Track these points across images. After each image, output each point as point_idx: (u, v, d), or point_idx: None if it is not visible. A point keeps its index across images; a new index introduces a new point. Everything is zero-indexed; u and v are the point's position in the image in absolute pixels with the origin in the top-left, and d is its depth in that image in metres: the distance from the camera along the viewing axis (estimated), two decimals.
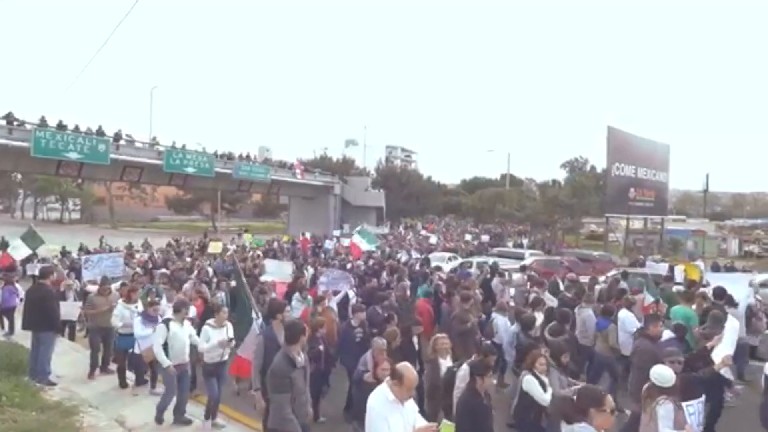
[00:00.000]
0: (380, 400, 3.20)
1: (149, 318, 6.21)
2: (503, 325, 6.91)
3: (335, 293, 8.09)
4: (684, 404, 3.67)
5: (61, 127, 22.79)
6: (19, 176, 54.22)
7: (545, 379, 4.42)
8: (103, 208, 60.74)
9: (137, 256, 18.77)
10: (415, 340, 5.81)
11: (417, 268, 13.15)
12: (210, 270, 11.83)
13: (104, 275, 8.83)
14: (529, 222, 37.21)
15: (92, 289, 8.41)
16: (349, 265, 13.33)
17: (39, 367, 6.63)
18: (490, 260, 17.87)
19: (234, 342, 5.63)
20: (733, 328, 4.99)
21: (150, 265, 15.12)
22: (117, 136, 25.64)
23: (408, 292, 8.67)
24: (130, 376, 6.96)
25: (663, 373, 3.72)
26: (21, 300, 8.52)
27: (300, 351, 4.18)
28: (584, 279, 11.95)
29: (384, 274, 11.44)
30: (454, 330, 6.34)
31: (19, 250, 11.19)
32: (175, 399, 5.56)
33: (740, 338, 6.36)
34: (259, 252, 21.66)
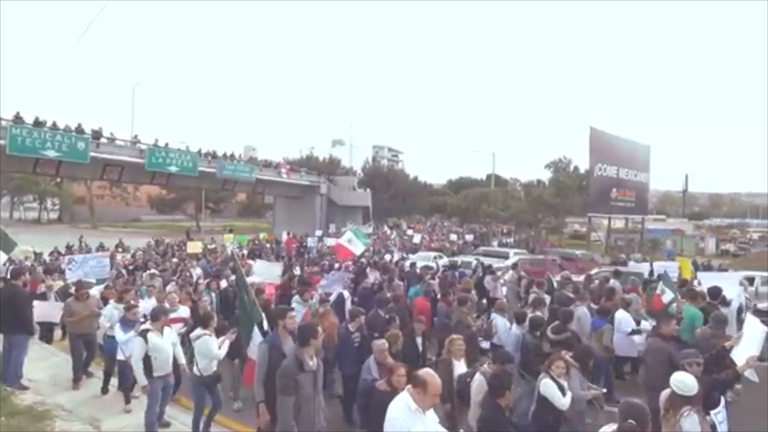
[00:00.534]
0: (402, 410, 3.00)
1: (128, 322, 5.95)
2: (503, 326, 6.80)
3: (328, 294, 7.98)
4: (712, 413, 3.47)
5: (38, 124, 22.12)
6: None
7: (564, 383, 4.26)
8: (82, 207, 59.24)
9: (118, 257, 18.33)
10: (419, 341, 5.67)
11: (407, 267, 13.15)
12: (197, 271, 11.60)
13: (80, 279, 8.43)
14: (513, 221, 37.59)
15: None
16: (336, 265, 13.25)
17: (11, 371, 6.36)
18: (474, 259, 18.08)
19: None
20: (755, 328, 4.78)
21: (131, 267, 14.77)
22: (97, 134, 24.99)
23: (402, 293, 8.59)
24: (113, 381, 6.63)
25: (685, 381, 3.43)
26: None
27: (313, 355, 3.96)
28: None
29: (371, 274, 11.40)
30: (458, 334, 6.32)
31: None
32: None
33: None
34: (244, 251, 21.45)
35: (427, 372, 3.11)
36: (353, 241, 13.19)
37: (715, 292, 7.40)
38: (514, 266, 12.55)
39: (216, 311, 7.51)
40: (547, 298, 8.21)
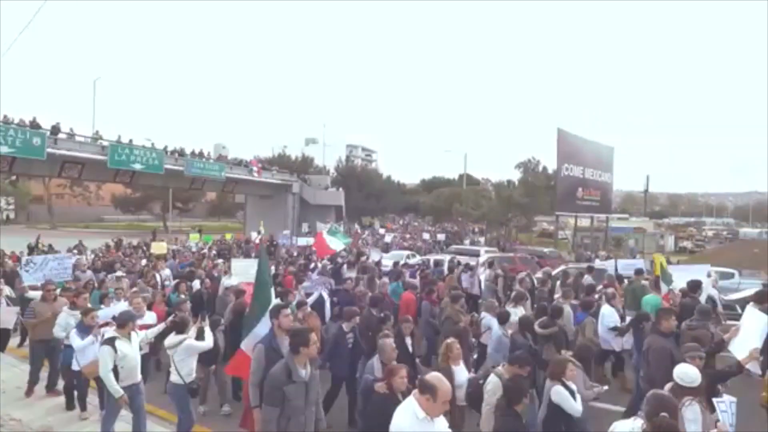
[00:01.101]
0: (409, 418, 2.77)
1: (85, 327, 5.52)
2: (496, 325, 6.62)
3: (308, 296, 7.82)
4: (715, 401, 3.45)
5: None
6: None
7: (573, 387, 4.14)
8: (40, 207, 56.23)
9: (74, 259, 17.42)
10: (408, 341, 5.46)
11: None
12: (165, 272, 11.15)
13: (48, 279, 7.93)
14: (485, 220, 38.24)
15: (34, 294, 7.58)
16: (312, 265, 13.07)
17: None
18: (446, 257, 18.29)
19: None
20: (756, 319, 4.61)
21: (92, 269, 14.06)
22: (55, 129, 23.72)
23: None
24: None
25: (688, 372, 3.45)
26: None
27: (306, 363, 3.66)
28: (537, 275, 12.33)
29: (348, 273, 11.29)
30: (446, 331, 6.23)
31: None
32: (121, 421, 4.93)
33: None
34: (214, 251, 20.88)
35: (435, 377, 2.90)
36: (331, 239, 13.04)
37: (694, 286, 7.43)
38: (491, 264, 12.71)
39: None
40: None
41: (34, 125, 22.48)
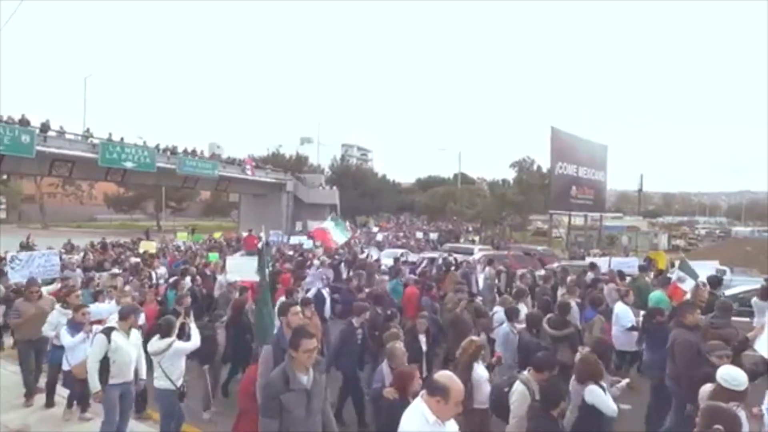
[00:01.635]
0: (418, 422, 2.53)
1: (76, 324, 5.33)
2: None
3: (306, 291, 7.68)
4: (764, 408, 3.21)
5: None
6: None
7: (605, 385, 3.92)
8: (32, 206, 55.40)
9: (73, 257, 17.14)
10: (422, 338, 5.18)
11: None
12: (161, 270, 10.97)
13: (32, 277, 7.64)
14: (479, 219, 38.25)
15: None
16: (308, 263, 12.94)
17: None
18: (439, 255, 18.25)
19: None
20: None
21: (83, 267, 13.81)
22: (44, 127, 23.35)
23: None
24: (63, 392, 5.98)
25: (735, 376, 3.17)
26: None
27: (309, 368, 3.17)
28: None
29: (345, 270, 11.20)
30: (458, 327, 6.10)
31: None
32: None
33: None
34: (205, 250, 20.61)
35: (446, 375, 2.64)
36: (336, 231, 12.87)
37: (715, 281, 7.18)
38: (490, 261, 12.60)
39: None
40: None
41: (23, 122, 22.10)
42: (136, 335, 4.86)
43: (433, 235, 31.82)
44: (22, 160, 22.23)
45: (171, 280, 9.30)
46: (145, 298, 7.44)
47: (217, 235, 29.42)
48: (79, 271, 11.13)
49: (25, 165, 23.61)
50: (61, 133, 24.44)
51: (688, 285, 7.34)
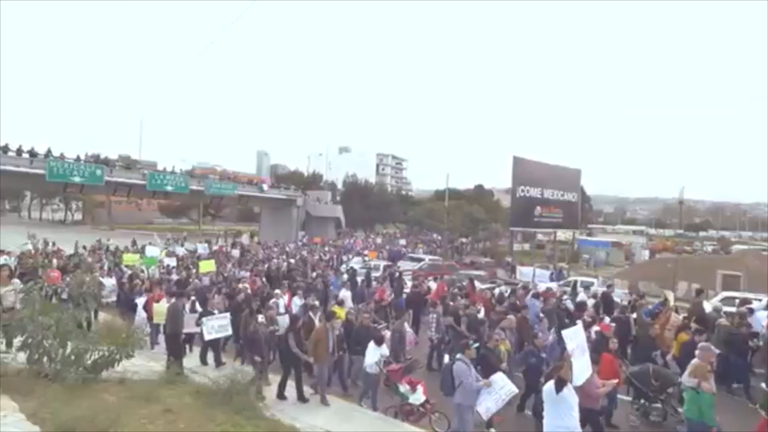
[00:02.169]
0: None
1: None
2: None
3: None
4: None
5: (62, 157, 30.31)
6: None
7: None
8: (102, 211, 68.34)
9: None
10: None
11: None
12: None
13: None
14: (455, 232, 44.44)
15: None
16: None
17: None
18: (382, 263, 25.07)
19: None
20: None
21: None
22: (112, 163, 33.21)
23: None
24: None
25: None
26: None
27: None
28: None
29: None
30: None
31: None
32: None
33: None
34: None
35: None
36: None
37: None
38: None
39: None
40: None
41: (97, 160, 31.86)
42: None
43: (402, 242, 38.72)
44: (95, 186, 31.94)
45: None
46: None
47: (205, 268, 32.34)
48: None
49: (98, 190, 33.52)
50: (122, 166, 34.20)
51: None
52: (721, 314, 10.66)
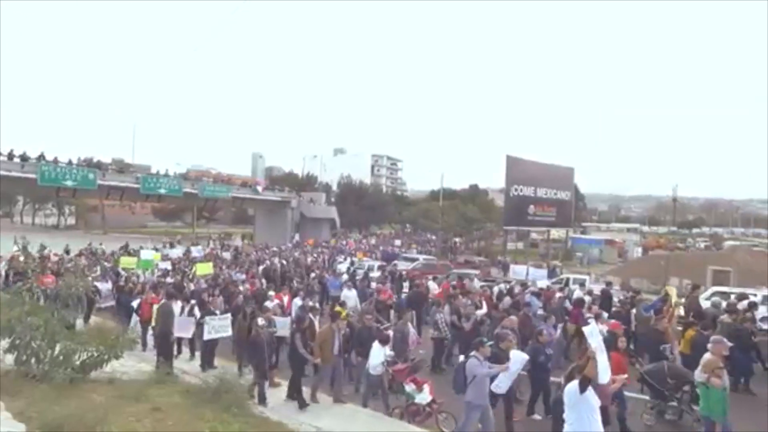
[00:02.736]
0: None
1: None
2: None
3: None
4: None
5: (55, 161, 30.18)
6: None
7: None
8: (96, 215, 68.00)
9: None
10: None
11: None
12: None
13: None
14: (451, 231, 44.63)
15: None
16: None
17: None
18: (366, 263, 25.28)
19: None
20: None
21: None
22: (104, 166, 33.10)
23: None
24: None
25: None
26: None
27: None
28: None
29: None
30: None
31: None
32: None
33: None
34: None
35: None
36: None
37: None
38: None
39: None
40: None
41: (89, 164, 31.71)
42: None
43: (397, 242, 38.87)
44: (88, 190, 31.81)
45: None
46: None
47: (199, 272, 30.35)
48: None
49: (90, 194, 33.39)
50: (115, 170, 34.10)
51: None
52: (720, 309, 10.64)
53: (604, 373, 4.57)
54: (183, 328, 9.09)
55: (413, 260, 30.11)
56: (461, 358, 6.91)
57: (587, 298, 12.66)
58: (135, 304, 11.22)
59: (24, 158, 28.15)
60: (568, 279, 20.66)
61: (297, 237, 42.95)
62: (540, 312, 10.88)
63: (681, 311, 10.72)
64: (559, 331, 9.06)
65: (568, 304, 12.46)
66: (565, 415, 4.55)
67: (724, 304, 11.33)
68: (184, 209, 63.92)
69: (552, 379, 7.32)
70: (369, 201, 58.18)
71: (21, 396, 4.80)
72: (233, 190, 41.47)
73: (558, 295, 13.33)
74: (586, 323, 6.11)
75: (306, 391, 7.32)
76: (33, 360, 5.47)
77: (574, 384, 4.44)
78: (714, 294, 14.86)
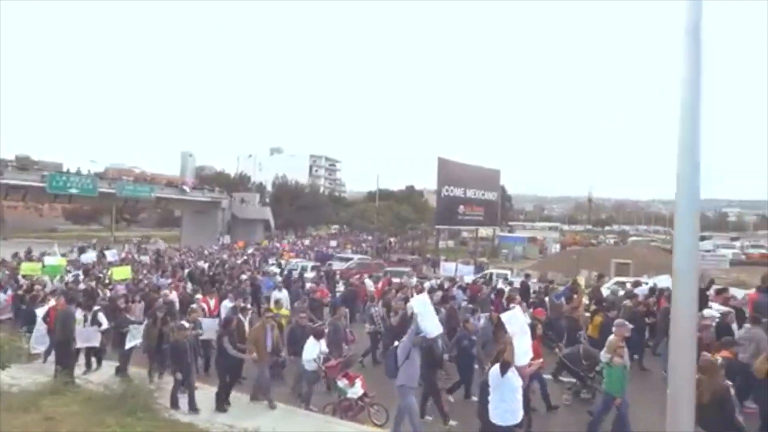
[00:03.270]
0: None
1: None
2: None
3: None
4: None
5: None
6: None
7: None
8: None
9: None
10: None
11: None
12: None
13: None
14: (386, 232, 45.47)
15: None
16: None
17: None
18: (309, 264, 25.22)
19: None
20: None
21: None
22: (3, 163, 29.62)
23: None
24: None
25: None
26: None
27: None
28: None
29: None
30: None
31: None
32: None
33: None
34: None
35: None
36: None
37: None
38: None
39: None
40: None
41: None
42: None
43: (333, 243, 38.89)
44: None
45: None
46: None
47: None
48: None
49: None
50: (17, 167, 30.67)
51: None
52: (617, 296, 11.91)
53: (522, 355, 4.98)
54: (87, 338, 8.46)
55: (348, 260, 30.47)
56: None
57: (507, 289, 13.81)
58: (41, 312, 10.32)
59: None
60: (491, 274, 22.14)
61: (227, 239, 41.47)
62: (464, 305, 11.72)
63: (586, 299, 11.99)
64: (482, 320, 9.79)
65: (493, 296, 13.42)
66: (489, 397, 4.87)
67: (621, 291, 12.79)
68: (101, 211, 58.80)
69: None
70: (305, 202, 57.36)
71: None
72: (157, 190, 39.05)
73: (484, 288, 14.40)
74: (506, 311, 6.71)
75: (240, 396, 7.20)
76: None
77: (496, 367, 4.79)
78: (615, 283, 16.81)
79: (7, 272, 18.56)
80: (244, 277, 17.73)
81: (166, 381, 7.18)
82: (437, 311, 9.17)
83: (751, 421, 5.87)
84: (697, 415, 4.77)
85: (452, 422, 6.71)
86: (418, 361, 6.31)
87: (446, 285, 14.74)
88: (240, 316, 8.57)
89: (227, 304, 10.79)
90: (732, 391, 5.29)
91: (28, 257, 23.83)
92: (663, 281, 13.09)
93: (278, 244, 37.70)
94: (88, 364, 8.87)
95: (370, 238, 45.36)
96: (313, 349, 7.27)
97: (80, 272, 18.94)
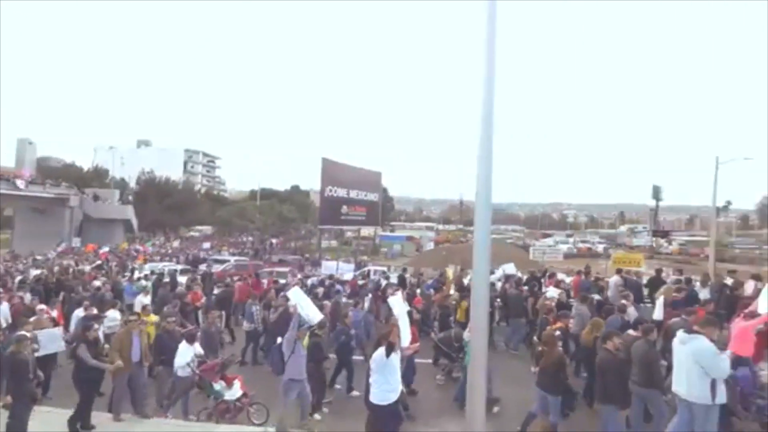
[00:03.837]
0: None
1: None
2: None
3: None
4: None
5: None
6: None
7: None
8: None
9: None
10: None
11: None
12: None
13: None
14: (268, 232, 44.09)
15: None
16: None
17: None
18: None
19: None
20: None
21: None
22: None
23: None
24: None
25: None
26: None
27: None
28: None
29: None
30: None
31: None
32: None
33: None
34: None
35: None
36: None
37: None
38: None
39: None
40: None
41: None
42: None
43: (206, 245, 36.45)
44: None
45: None
46: None
47: None
48: None
49: None
50: None
51: None
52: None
53: (405, 338, 5.30)
54: None
55: (224, 262, 29.56)
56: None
57: (384, 282, 15.47)
58: None
59: None
60: (369, 271, 23.40)
61: (77, 241, 36.03)
62: (344, 300, 12.58)
63: (452, 289, 13.49)
64: (368, 303, 10.57)
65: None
66: (371, 379, 5.05)
67: None
68: None
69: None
70: (177, 200, 52.49)
71: None
72: None
73: (360, 282, 16.03)
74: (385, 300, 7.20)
75: (103, 415, 6.50)
76: None
77: (381, 350, 4.97)
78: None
79: None
80: (97, 283, 15.73)
81: None
82: (320, 307, 9.61)
83: None
84: (539, 378, 5.97)
85: (317, 416, 6.97)
86: (304, 354, 6.44)
87: (327, 282, 15.66)
88: (95, 324, 7.77)
89: (79, 313, 9.73)
90: (567, 360, 6.55)
91: None
92: (509, 269, 15.57)
93: (139, 247, 33.95)
94: None
95: (250, 239, 43.46)
96: (187, 353, 6.87)
97: None
